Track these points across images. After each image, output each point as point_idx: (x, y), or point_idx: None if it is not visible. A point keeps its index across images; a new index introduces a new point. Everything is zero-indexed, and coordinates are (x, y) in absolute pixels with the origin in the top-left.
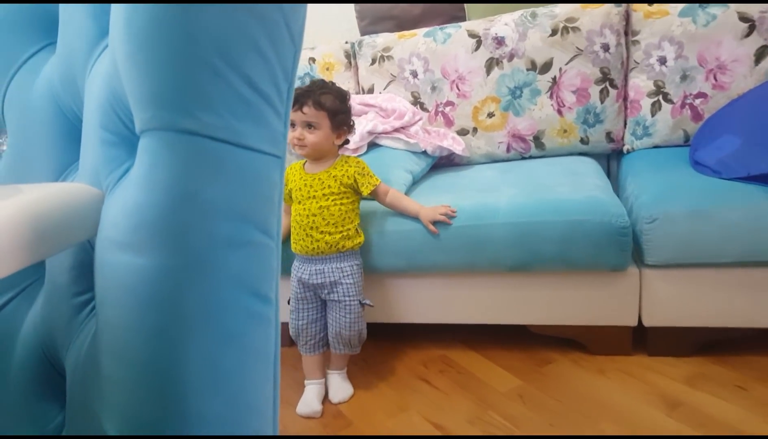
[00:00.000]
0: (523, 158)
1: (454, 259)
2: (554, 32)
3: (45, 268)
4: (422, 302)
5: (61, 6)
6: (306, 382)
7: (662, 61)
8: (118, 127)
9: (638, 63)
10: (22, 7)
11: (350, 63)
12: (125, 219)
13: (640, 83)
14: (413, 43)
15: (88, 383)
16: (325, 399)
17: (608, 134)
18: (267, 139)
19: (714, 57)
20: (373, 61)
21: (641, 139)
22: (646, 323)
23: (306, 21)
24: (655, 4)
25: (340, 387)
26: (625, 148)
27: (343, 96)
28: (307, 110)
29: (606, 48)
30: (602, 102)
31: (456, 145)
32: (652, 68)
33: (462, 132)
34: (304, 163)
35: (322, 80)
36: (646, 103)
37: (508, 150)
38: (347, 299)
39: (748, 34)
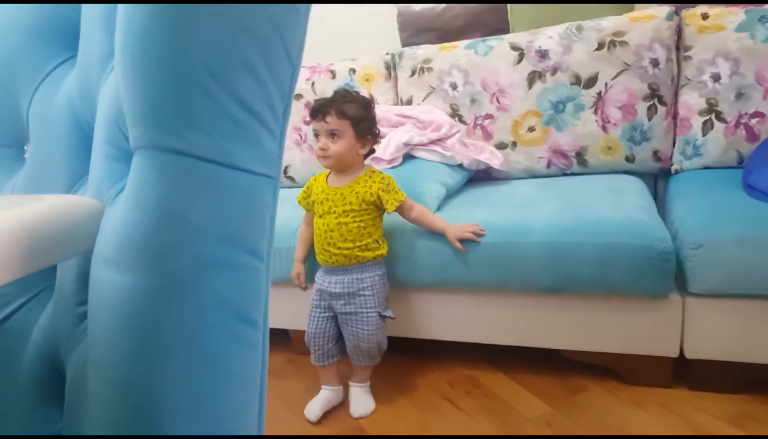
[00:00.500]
0: (564, 175)
1: (484, 276)
2: (600, 46)
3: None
4: (450, 319)
5: (82, 19)
6: (323, 387)
7: (716, 78)
8: (121, 141)
9: (690, 79)
10: (49, 18)
11: (390, 74)
12: (113, 235)
13: (691, 101)
14: (454, 55)
15: (78, 396)
16: (346, 411)
17: (655, 153)
18: (259, 159)
19: None
20: (413, 73)
21: (691, 160)
22: (689, 354)
23: (305, 40)
24: (709, 19)
25: (362, 401)
26: (673, 168)
27: (367, 104)
28: (330, 120)
29: (655, 63)
30: (650, 119)
31: (494, 158)
32: (704, 85)
33: (501, 146)
34: (328, 174)
35: (345, 90)
36: (697, 121)
37: (548, 166)
38: (364, 310)
39: None
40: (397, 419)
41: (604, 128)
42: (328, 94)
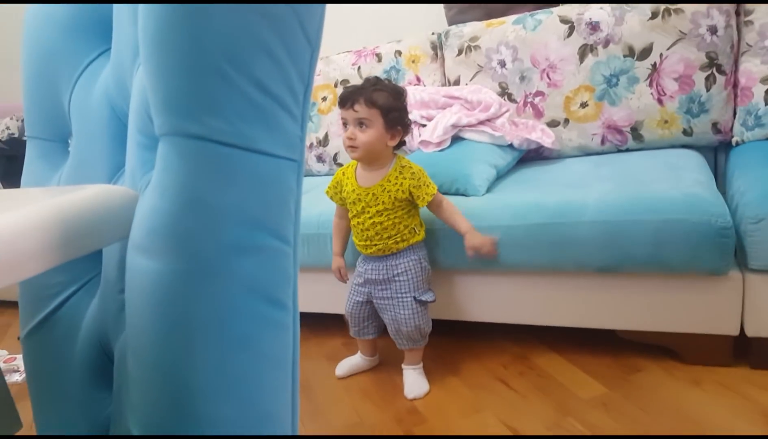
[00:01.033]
0: (619, 151)
1: (536, 258)
2: (654, 15)
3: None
4: (502, 301)
5: (114, 12)
6: (359, 352)
7: None
8: (151, 130)
9: (751, 46)
10: (83, 14)
11: (436, 55)
12: (142, 222)
13: (752, 68)
14: (502, 32)
15: (121, 380)
16: (400, 393)
17: (715, 125)
18: (281, 143)
19: None
20: (460, 52)
21: (752, 130)
22: (750, 332)
23: (324, 20)
24: None
25: (416, 383)
26: (733, 141)
27: (398, 93)
28: (358, 108)
29: (713, 30)
30: (708, 90)
31: (545, 137)
32: (767, 51)
33: (552, 124)
34: (356, 168)
35: (377, 77)
36: (759, 90)
37: (602, 142)
38: (399, 295)
39: None
40: (451, 400)
41: (659, 101)
42: None
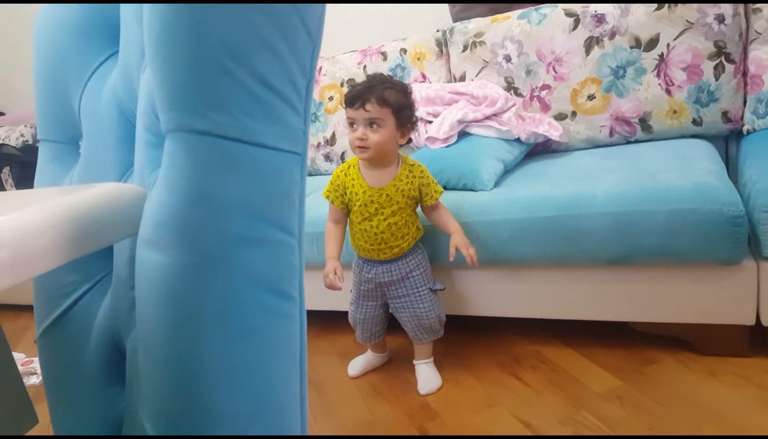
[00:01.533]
0: (628, 143)
1: (546, 251)
2: (660, 5)
3: None
4: (514, 295)
5: (121, 14)
6: (369, 350)
7: None
8: (158, 128)
9: (760, 33)
10: (92, 17)
11: (441, 51)
12: (151, 218)
13: (762, 56)
14: (506, 27)
15: (133, 374)
16: (413, 389)
17: (725, 114)
18: (284, 136)
19: None
20: (465, 48)
21: (763, 118)
22: (766, 322)
23: (325, 14)
24: None
25: (429, 378)
26: (744, 129)
27: (406, 90)
28: (370, 107)
29: (721, 19)
30: (717, 79)
31: (553, 130)
32: None
33: (560, 117)
34: (358, 169)
35: (382, 74)
36: None
37: (611, 134)
38: (416, 290)
39: None
40: (464, 396)
41: (668, 91)
42: None
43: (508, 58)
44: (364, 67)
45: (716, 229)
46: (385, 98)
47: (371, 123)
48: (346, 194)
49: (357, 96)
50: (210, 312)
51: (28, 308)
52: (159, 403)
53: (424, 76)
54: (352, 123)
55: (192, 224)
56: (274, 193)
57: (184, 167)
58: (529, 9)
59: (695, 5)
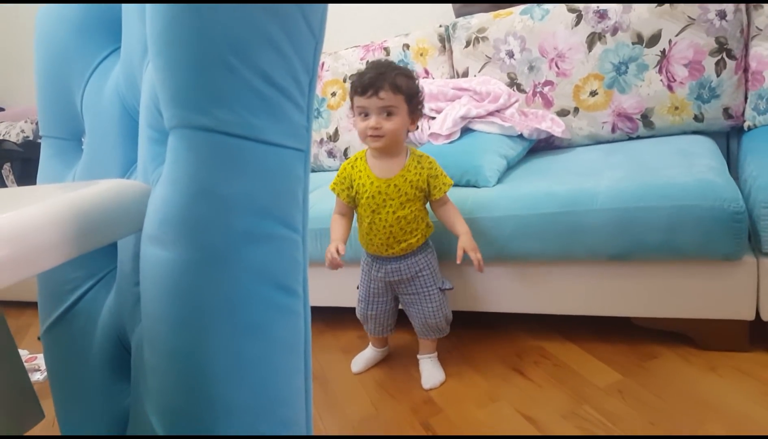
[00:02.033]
0: (630, 139)
1: (548, 247)
2: (662, 2)
3: None
4: (516, 291)
5: (123, 11)
6: (370, 344)
7: None
8: (161, 125)
9: (761, 30)
10: (94, 13)
11: (444, 47)
12: (155, 214)
13: (763, 52)
14: (509, 22)
15: (139, 369)
16: (416, 384)
17: (726, 110)
18: (287, 133)
19: None
20: (468, 44)
21: (764, 115)
22: (766, 317)
23: (327, 11)
24: None
25: (432, 373)
26: (745, 125)
27: (414, 76)
28: (384, 95)
29: (722, 15)
30: (718, 75)
31: (555, 126)
32: None
33: (562, 113)
34: (365, 160)
35: (388, 60)
36: None
37: (613, 130)
38: (425, 289)
39: None
40: (467, 391)
41: (669, 88)
42: None
43: (510, 54)
44: (367, 62)
45: (717, 225)
46: (398, 85)
47: (385, 111)
48: (353, 187)
49: (369, 84)
50: (215, 307)
51: (31, 305)
52: (165, 397)
53: (426, 72)
54: (363, 112)
55: (196, 220)
56: (277, 190)
57: (187, 164)
58: (532, 5)
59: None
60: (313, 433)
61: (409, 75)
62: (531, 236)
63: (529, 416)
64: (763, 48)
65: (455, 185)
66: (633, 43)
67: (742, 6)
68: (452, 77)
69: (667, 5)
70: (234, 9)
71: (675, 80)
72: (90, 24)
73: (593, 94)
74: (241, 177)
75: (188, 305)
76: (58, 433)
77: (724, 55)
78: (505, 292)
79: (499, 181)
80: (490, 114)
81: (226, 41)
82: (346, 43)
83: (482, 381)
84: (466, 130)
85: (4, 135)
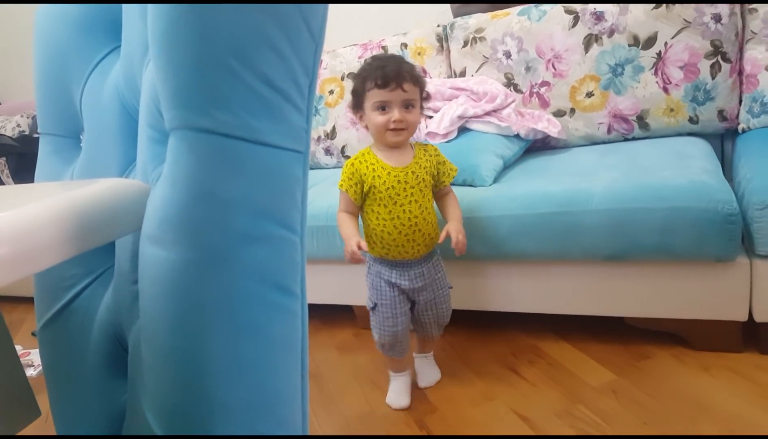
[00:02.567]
0: (626, 140)
1: (544, 247)
2: (659, 4)
3: None
4: (511, 290)
5: (124, 10)
6: (394, 374)
7: None
8: (161, 125)
9: (755, 33)
10: (94, 12)
11: (442, 47)
12: (154, 214)
13: (757, 56)
14: (506, 23)
15: (136, 367)
16: (413, 383)
17: (721, 112)
18: (286, 135)
19: None
20: (465, 44)
21: (758, 117)
22: (758, 318)
23: (327, 15)
24: None
25: (429, 371)
26: (740, 128)
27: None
28: (408, 87)
29: (717, 18)
30: (713, 78)
31: (552, 127)
32: None
33: (558, 113)
34: (374, 155)
35: (391, 54)
36: (765, 77)
37: (609, 131)
38: (442, 290)
39: None
40: (462, 389)
41: (665, 90)
42: None
43: (508, 55)
44: (365, 61)
45: (711, 226)
46: (416, 77)
47: (408, 104)
48: (364, 182)
49: (392, 77)
50: (213, 307)
51: (24, 300)
52: (162, 395)
53: (424, 71)
54: (381, 106)
55: (196, 221)
56: (277, 191)
57: (188, 165)
58: (529, 6)
59: (693, 4)
60: (309, 431)
61: (416, 67)
62: (527, 236)
63: (523, 415)
64: (758, 51)
65: (452, 184)
66: (629, 45)
67: (737, 9)
68: (450, 77)
69: (663, 8)
70: (235, 11)
71: (670, 82)
72: (90, 22)
73: (589, 95)
74: (240, 178)
75: (187, 304)
76: (52, 429)
77: (719, 58)
78: (501, 291)
79: (496, 180)
80: (487, 114)
81: (227, 43)
82: (345, 41)
83: (477, 380)
84: (463, 130)
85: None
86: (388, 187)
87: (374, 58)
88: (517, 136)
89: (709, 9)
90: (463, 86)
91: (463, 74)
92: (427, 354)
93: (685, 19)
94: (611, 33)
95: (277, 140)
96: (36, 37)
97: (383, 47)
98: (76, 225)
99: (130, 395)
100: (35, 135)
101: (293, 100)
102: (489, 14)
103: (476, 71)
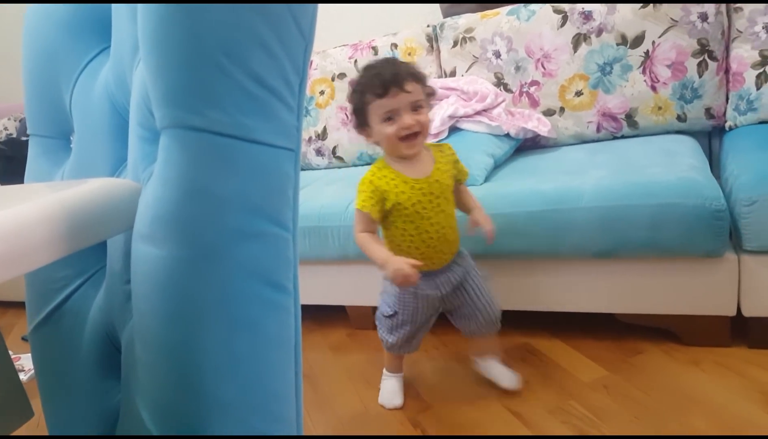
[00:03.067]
0: (615, 138)
1: (535, 244)
2: (646, 3)
3: None
4: (503, 288)
5: (113, 10)
6: (388, 374)
7: None
8: (151, 124)
9: (741, 32)
10: (83, 13)
11: (432, 47)
12: (146, 212)
13: (743, 54)
14: (496, 23)
15: (130, 366)
16: (406, 382)
17: (708, 110)
18: (278, 132)
19: None
20: (455, 44)
21: (745, 115)
22: (746, 313)
23: (317, 13)
24: None
25: (506, 372)
26: (727, 125)
27: None
28: (410, 88)
29: (704, 17)
30: (700, 76)
31: (541, 126)
32: (757, 37)
33: (548, 112)
34: (392, 168)
35: (384, 57)
36: (751, 75)
37: (598, 130)
38: (477, 284)
39: None
40: (455, 387)
41: (653, 88)
42: None
43: (497, 54)
44: (355, 61)
45: (699, 222)
46: (416, 75)
47: (414, 106)
48: (386, 200)
49: (391, 81)
50: (207, 304)
51: (14, 305)
52: (157, 392)
53: None
54: (388, 116)
55: (188, 219)
56: (268, 189)
57: (179, 163)
58: (518, 5)
59: (680, 3)
60: (303, 430)
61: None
62: (518, 234)
63: (516, 411)
64: (743, 50)
65: None
66: (617, 44)
67: (723, 9)
68: (440, 77)
69: (650, 7)
70: (225, 10)
71: (658, 81)
72: (79, 23)
73: (578, 94)
74: (232, 176)
75: (180, 302)
76: (44, 431)
77: (706, 56)
78: (493, 289)
79: (487, 179)
80: (478, 113)
81: (217, 42)
82: (335, 42)
83: (470, 377)
84: (453, 129)
85: None
86: (414, 203)
87: (367, 67)
88: (508, 135)
89: (695, 8)
90: (454, 86)
91: (453, 74)
92: (493, 357)
93: (672, 18)
94: (599, 32)
95: (269, 138)
96: (24, 39)
97: (373, 47)
98: (67, 224)
99: (124, 394)
100: (23, 138)
101: (284, 98)
102: (478, 14)
103: (466, 71)
